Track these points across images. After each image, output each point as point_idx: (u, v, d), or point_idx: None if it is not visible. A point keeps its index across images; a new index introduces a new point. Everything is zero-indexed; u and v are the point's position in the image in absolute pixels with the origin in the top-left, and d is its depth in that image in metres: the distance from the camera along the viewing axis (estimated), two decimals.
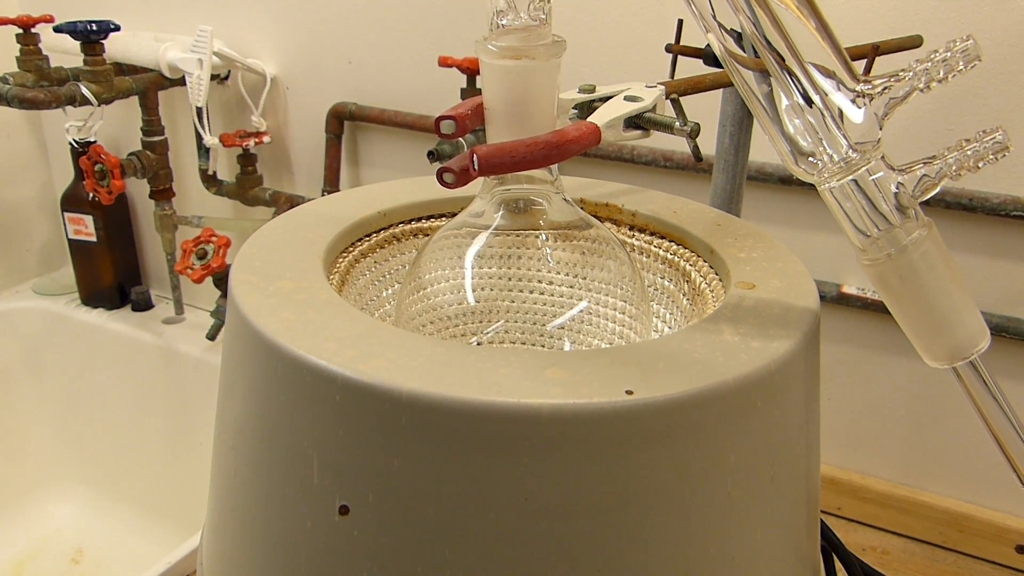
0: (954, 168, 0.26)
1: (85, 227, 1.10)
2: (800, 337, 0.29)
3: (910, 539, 0.76)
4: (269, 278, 0.31)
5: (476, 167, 0.30)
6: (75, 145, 0.96)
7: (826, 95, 0.27)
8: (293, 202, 0.95)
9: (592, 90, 0.38)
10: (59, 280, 1.22)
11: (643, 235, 0.41)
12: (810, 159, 0.27)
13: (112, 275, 1.14)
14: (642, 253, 0.41)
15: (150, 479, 1.11)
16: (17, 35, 0.85)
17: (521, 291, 0.40)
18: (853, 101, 0.27)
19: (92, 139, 0.96)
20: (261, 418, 0.28)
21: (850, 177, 0.27)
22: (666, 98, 0.36)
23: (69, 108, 0.85)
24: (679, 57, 0.49)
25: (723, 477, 0.27)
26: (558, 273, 0.40)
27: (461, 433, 0.24)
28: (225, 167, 1.03)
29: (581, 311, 0.39)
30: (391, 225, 0.41)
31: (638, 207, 0.41)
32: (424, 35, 0.85)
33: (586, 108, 0.37)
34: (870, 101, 0.27)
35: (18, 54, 0.86)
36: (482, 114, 0.33)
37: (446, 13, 0.83)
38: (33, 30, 0.85)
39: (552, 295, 0.40)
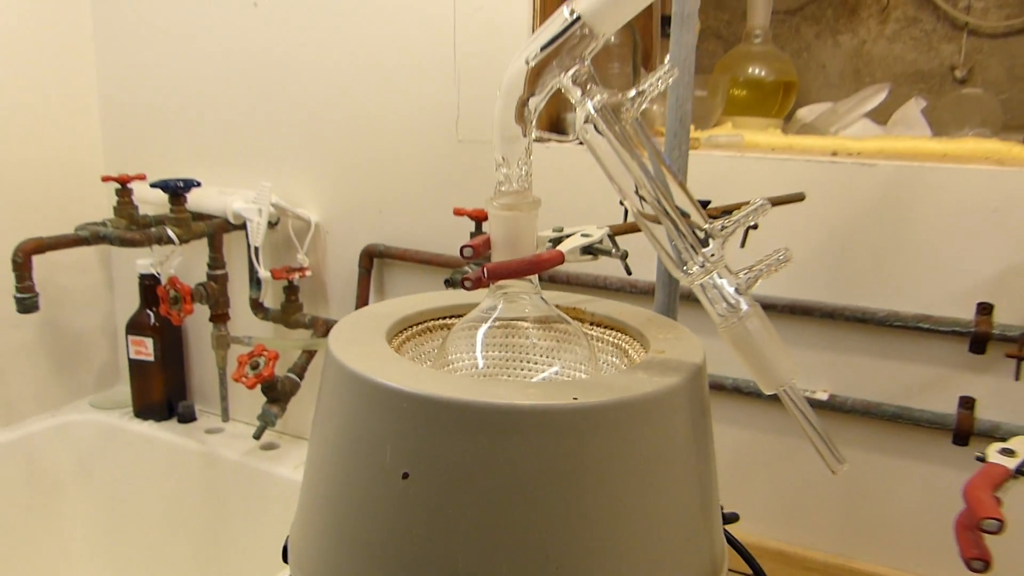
0: (764, 272, 0.45)
1: (145, 348, 1.28)
2: (685, 375, 0.46)
3: None
4: (353, 343, 0.49)
5: (486, 276, 0.49)
6: (155, 276, 1.16)
7: (691, 232, 0.46)
8: (328, 326, 1.14)
9: (561, 230, 0.57)
10: (114, 397, 1.38)
11: (599, 328, 0.59)
12: (683, 268, 0.46)
13: (163, 390, 1.31)
14: (598, 340, 0.59)
15: None
16: (116, 189, 1.07)
17: (515, 368, 0.58)
18: (706, 236, 0.45)
19: (158, 272, 1.16)
20: (351, 425, 0.45)
21: (707, 278, 0.45)
22: (608, 236, 0.56)
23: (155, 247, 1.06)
24: None
25: (636, 461, 0.44)
26: (540, 355, 0.58)
27: (476, 423, 0.42)
28: (269, 295, 1.23)
29: (555, 373, 0.57)
30: (424, 320, 0.59)
31: (596, 309, 0.60)
32: (440, 191, 1.07)
33: (556, 241, 0.56)
34: (718, 232, 0.46)
35: (115, 203, 1.07)
36: (489, 244, 0.53)
37: (457, 175, 1.05)
38: (128, 185, 1.08)
39: (535, 368, 0.58)
